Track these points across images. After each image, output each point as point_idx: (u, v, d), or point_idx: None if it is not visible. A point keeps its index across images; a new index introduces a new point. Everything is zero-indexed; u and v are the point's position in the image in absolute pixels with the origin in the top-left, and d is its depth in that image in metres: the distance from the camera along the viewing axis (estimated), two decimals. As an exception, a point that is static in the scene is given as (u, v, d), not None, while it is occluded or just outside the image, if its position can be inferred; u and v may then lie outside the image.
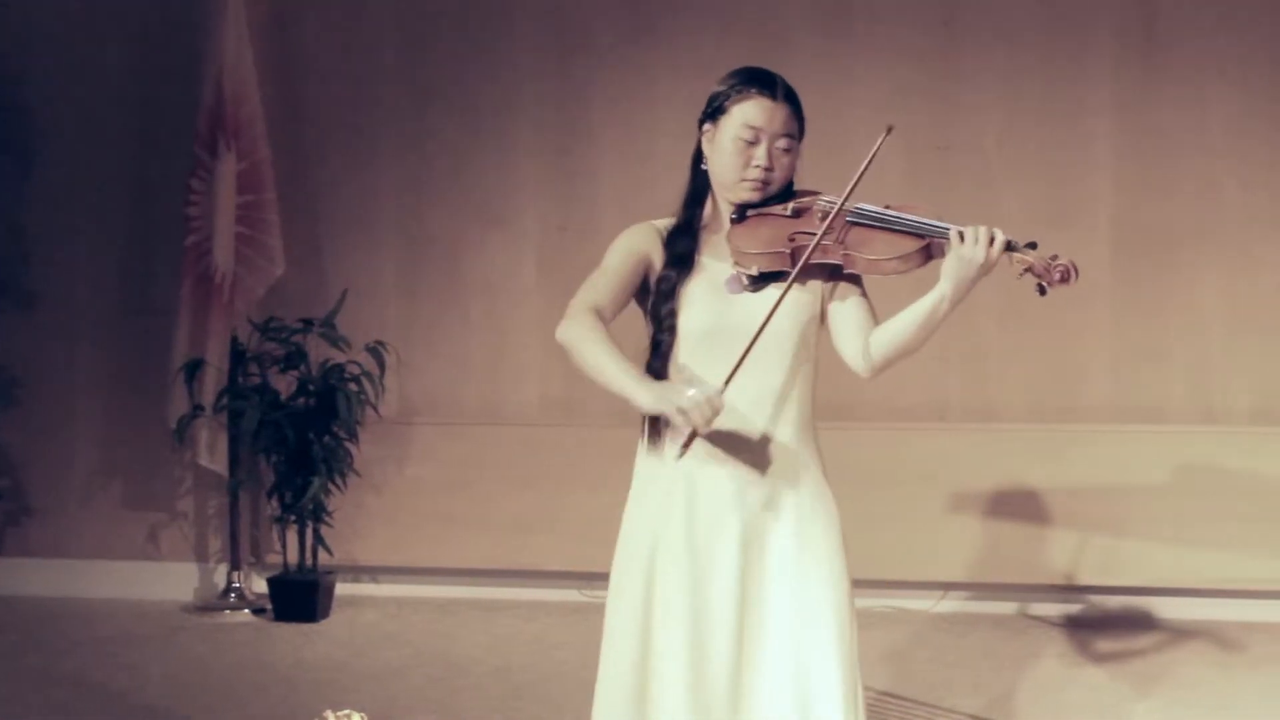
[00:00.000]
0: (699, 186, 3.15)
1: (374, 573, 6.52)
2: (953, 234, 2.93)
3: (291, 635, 5.95)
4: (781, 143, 3.07)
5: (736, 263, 3.06)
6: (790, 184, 3.11)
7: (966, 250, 2.90)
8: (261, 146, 6.33)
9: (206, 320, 6.25)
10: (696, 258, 3.09)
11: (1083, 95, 6.14)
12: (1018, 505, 6.04)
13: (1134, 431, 6.04)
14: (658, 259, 3.10)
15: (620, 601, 3.11)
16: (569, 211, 6.44)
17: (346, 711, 3.18)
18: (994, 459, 6.09)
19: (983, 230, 2.91)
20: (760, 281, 3.04)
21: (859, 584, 3.13)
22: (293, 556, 6.23)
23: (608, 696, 3.09)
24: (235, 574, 6.41)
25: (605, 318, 3.02)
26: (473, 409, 6.53)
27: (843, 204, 3.00)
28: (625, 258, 3.10)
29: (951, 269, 2.93)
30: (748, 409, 3.03)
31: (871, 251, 2.98)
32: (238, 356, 6.31)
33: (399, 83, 6.53)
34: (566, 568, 6.21)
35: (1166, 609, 5.94)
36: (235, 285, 6.29)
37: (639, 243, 3.12)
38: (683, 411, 2.86)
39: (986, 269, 2.91)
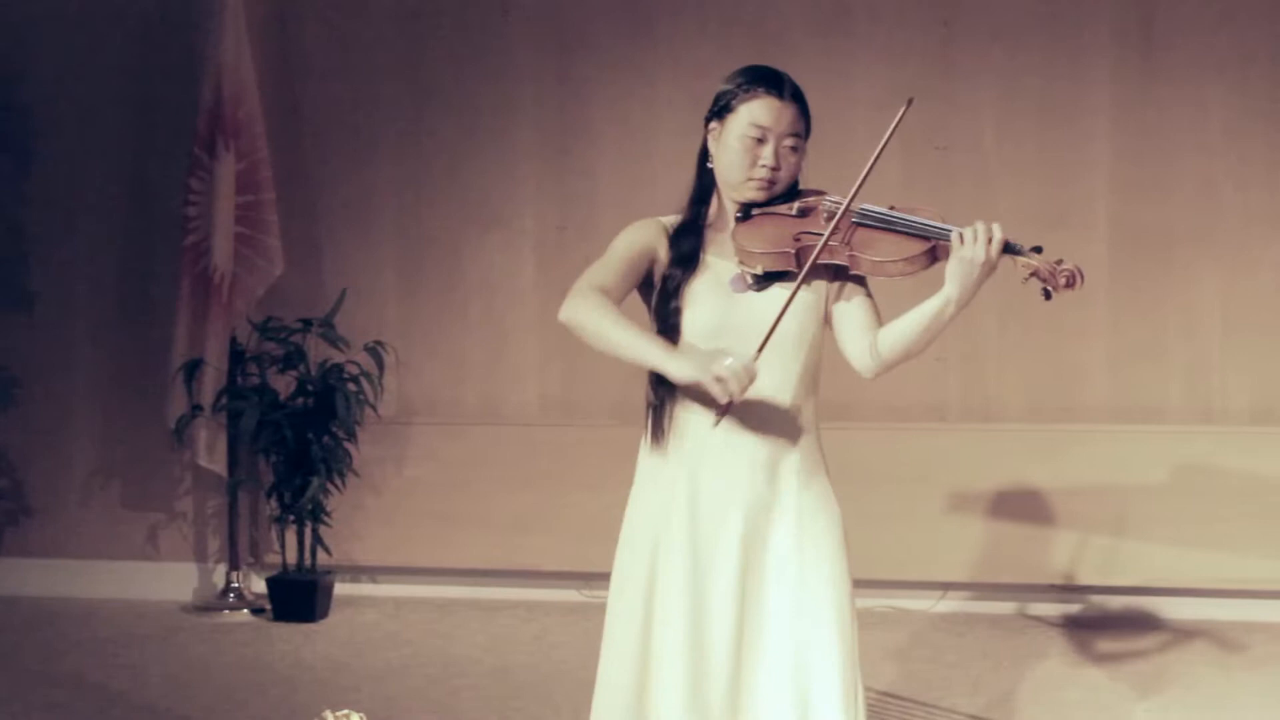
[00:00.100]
0: (704, 185, 3.15)
1: (373, 573, 6.51)
2: (954, 236, 2.92)
3: (290, 635, 5.95)
4: (788, 142, 3.07)
5: (741, 261, 3.06)
6: (796, 183, 3.11)
7: (967, 251, 2.90)
8: (260, 146, 6.33)
9: (205, 320, 6.25)
10: (701, 256, 3.09)
11: (1081, 95, 6.14)
12: (1017, 505, 6.04)
13: (1132, 431, 6.04)
14: (663, 253, 3.10)
15: (621, 600, 3.11)
16: (568, 211, 6.44)
17: (345, 711, 3.18)
18: (993, 459, 6.10)
19: (980, 227, 2.90)
20: (764, 281, 3.04)
21: (858, 584, 3.13)
22: (292, 556, 6.23)
23: (607, 696, 3.09)
24: (234, 574, 6.41)
25: (612, 299, 3.01)
26: (472, 409, 6.53)
27: (850, 201, 3.00)
28: (631, 247, 3.10)
29: (955, 272, 2.92)
30: (752, 408, 3.02)
31: (877, 253, 2.98)
32: (237, 356, 6.31)
33: (398, 82, 6.53)
34: (566, 567, 6.21)
35: (1166, 609, 5.94)
36: (234, 285, 6.28)
37: (645, 235, 3.11)
38: (720, 379, 2.85)
39: (989, 268, 2.91)
